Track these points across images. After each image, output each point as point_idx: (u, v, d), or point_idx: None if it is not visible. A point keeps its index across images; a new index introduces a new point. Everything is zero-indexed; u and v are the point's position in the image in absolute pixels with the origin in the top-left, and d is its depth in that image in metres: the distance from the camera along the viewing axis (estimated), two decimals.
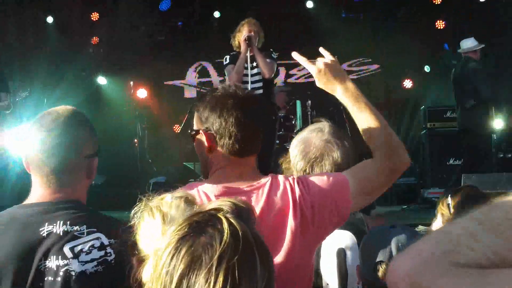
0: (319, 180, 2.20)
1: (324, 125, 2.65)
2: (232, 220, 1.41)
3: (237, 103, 2.17)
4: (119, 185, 9.41)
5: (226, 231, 1.37)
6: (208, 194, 2.14)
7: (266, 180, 2.20)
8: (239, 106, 2.17)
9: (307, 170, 2.55)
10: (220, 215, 1.44)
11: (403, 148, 2.27)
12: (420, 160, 9.60)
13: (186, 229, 1.42)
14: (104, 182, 9.75)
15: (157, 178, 9.46)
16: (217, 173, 2.25)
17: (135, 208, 1.74)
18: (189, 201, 1.75)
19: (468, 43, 8.12)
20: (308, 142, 2.58)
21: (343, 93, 2.35)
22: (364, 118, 2.29)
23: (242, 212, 1.49)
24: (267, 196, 2.15)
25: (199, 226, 1.42)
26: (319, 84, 2.38)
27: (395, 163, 2.25)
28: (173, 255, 1.38)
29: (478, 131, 7.75)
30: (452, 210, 2.62)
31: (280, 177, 2.23)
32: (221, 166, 2.24)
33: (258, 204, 2.13)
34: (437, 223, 2.75)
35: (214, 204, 1.53)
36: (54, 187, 2.14)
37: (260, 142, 2.26)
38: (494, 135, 8.27)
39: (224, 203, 1.50)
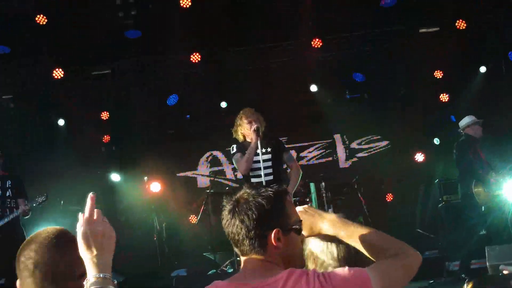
0: (341, 274, 2.22)
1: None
2: None
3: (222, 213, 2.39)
4: (140, 281, 9.30)
5: None
6: None
7: (281, 275, 2.24)
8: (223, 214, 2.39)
9: (344, 254, 2.55)
10: None
11: (406, 245, 2.35)
12: (441, 233, 9.49)
13: None
14: (124, 279, 9.63)
15: (178, 271, 9.35)
16: (239, 272, 2.39)
17: None
18: None
19: (464, 120, 8.29)
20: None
21: (331, 225, 2.40)
22: (361, 237, 2.36)
23: None
24: None
25: None
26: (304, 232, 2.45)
27: (407, 259, 2.33)
28: None
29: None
30: None
31: (298, 272, 2.26)
32: (242, 264, 2.39)
33: None
34: None
35: None
36: None
37: (257, 242, 2.32)
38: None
39: None
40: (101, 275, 1.95)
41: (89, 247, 1.99)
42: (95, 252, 1.99)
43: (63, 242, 2.20)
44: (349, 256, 2.47)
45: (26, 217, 7.75)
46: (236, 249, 2.39)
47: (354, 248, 2.42)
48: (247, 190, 2.38)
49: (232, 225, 2.32)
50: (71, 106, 11.23)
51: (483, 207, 7.94)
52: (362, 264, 2.36)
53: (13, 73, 10.80)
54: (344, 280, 2.20)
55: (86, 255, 1.99)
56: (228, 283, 2.32)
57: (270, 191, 2.39)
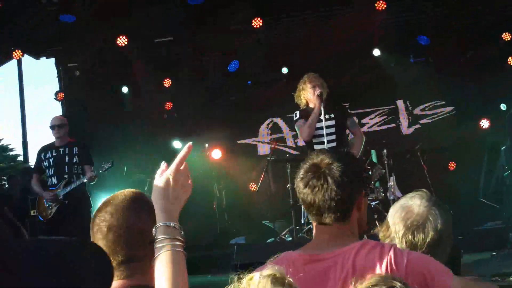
0: (421, 257, 2.20)
1: (423, 193, 2.62)
2: None
3: (304, 180, 2.31)
4: (199, 248, 9.45)
5: None
6: (295, 264, 2.20)
7: (354, 245, 2.23)
8: (304, 182, 2.30)
9: (409, 237, 2.51)
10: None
11: None
12: (506, 203, 9.22)
13: None
14: (187, 246, 9.80)
15: (237, 239, 9.45)
16: (311, 241, 2.37)
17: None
18: (277, 279, 1.76)
19: None
20: (409, 209, 2.54)
21: None
22: None
23: None
24: (352, 262, 2.14)
25: None
26: None
27: None
28: None
29: None
30: None
31: (372, 243, 2.25)
32: (315, 234, 2.36)
33: (343, 268, 2.14)
34: None
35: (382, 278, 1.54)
36: (123, 276, 2.12)
37: (340, 211, 2.28)
38: None
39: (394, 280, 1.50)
40: (171, 224, 1.94)
41: (166, 194, 1.98)
42: (171, 201, 1.97)
43: (139, 206, 2.18)
44: (411, 241, 2.45)
45: (92, 183, 7.94)
46: (314, 217, 2.33)
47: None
48: (324, 154, 2.32)
49: (317, 189, 2.26)
50: (134, 73, 11.40)
51: None
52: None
53: (78, 41, 11.01)
54: (424, 262, 2.17)
55: (160, 202, 1.97)
56: (300, 254, 2.30)
57: (351, 153, 2.36)
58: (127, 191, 2.26)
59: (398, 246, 2.35)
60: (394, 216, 2.59)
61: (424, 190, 2.65)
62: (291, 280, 1.81)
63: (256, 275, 1.80)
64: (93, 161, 8.01)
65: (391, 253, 2.16)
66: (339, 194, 2.24)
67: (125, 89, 11.56)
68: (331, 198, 2.24)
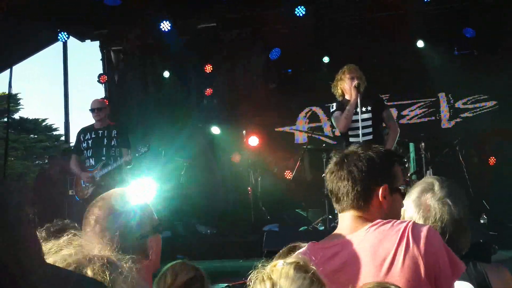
0: (432, 235, 2.18)
1: (433, 183, 2.60)
2: None
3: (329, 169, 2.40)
4: (232, 233, 9.54)
5: None
6: (317, 252, 2.24)
7: (366, 226, 2.26)
8: (329, 171, 2.38)
9: None
10: None
11: None
12: None
13: None
14: (218, 230, 9.92)
15: (271, 226, 9.52)
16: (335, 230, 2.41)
17: (250, 276, 1.83)
18: (300, 267, 1.81)
19: None
20: (422, 204, 2.55)
21: None
22: None
23: None
24: (363, 240, 2.22)
25: None
26: None
27: None
28: None
29: None
30: None
31: (385, 220, 2.26)
32: (339, 222, 2.43)
33: (359, 249, 2.20)
34: None
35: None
36: None
37: (359, 199, 2.33)
38: None
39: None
40: None
41: None
42: None
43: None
44: None
45: (129, 166, 8.05)
46: (336, 206, 2.39)
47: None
48: (355, 146, 2.40)
49: (338, 178, 2.33)
50: (176, 58, 11.50)
51: None
52: None
53: (123, 25, 11.17)
54: (440, 244, 2.17)
55: None
56: (317, 244, 2.34)
57: (381, 148, 2.40)
58: (119, 189, 2.42)
59: None
60: (410, 213, 2.59)
61: (434, 177, 2.63)
62: (314, 268, 1.84)
63: (279, 262, 1.85)
64: (131, 145, 8.12)
65: (410, 224, 2.18)
66: (355, 182, 2.30)
67: (166, 74, 11.68)
68: (343, 186, 2.31)
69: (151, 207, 2.44)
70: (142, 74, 11.86)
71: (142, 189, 8.16)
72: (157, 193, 9.07)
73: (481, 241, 2.94)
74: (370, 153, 2.34)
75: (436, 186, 2.57)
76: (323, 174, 8.44)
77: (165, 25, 10.60)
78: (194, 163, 10.84)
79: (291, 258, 1.87)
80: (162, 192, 9.38)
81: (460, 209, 2.52)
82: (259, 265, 1.88)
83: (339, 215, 2.40)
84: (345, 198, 2.32)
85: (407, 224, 2.18)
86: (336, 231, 2.38)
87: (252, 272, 1.87)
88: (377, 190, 2.33)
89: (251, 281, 1.84)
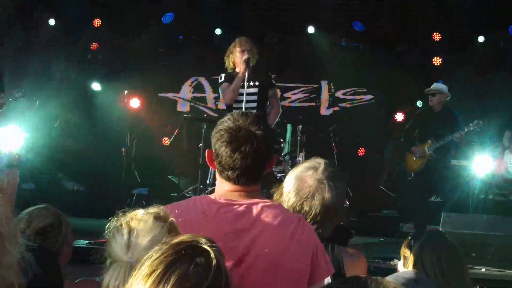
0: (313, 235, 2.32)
1: (320, 163, 2.68)
2: (216, 253, 1.46)
3: (233, 144, 2.32)
4: (101, 192, 9.38)
5: (213, 263, 1.44)
6: (210, 206, 2.29)
7: (264, 200, 2.34)
8: (234, 146, 2.32)
9: (297, 208, 2.61)
10: (206, 246, 1.48)
11: None
12: (403, 194, 9.67)
13: (173, 257, 1.44)
14: (86, 188, 9.71)
15: (140, 189, 9.45)
16: (221, 194, 2.39)
17: (110, 222, 1.82)
18: (160, 218, 1.83)
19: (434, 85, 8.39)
20: (302, 180, 2.63)
21: None
22: None
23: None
24: (260, 212, 2.29)
25: (187, 255, 1.45)
26: None
27: None
28: (159, 282, 1.40)
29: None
30: (411, 254, 2.66)
31: (281, 207, 2.38)
32: (224, 190, 2.40)
33: (258, 216, 2.27)
34: (400, 265, 2.83)
35: (189, 235, 1.56)
36: None
37: (258, 175, 2.39)
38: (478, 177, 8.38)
39: (197, 237, 1.53)
40: None
41: None
42: None
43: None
44: (299, 212, 2.57)
45: (0, 110, 7.65)
46: (228, 178, 2.35)
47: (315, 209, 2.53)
48: (245, 118, 2.35)
49: (243, 156, 2.30)
50: (64, 6, 11.02)
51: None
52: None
53: None
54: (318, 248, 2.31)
55: None
56: (213, 199, 2.35)
57: (267, 122, 2.45)
58: None
59: None
60: (288, 185, 2.67)
61: (324, 160, 2.72)
62: (173, 220, 1.88)
63: (140, 211, 1.87)
64: (4, 88, 7.71)
65: (301, 217, 2.34)
66: (259, 159, 2.34)
67: (52, 22, 11.16)
68: (250, 163, 2.31)
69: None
70: (28, 20, 11.20)
71: (7, 137, 7.78)
72: (24, 143, 8.69)
73: (341, 224, 3.06)
74: (267, 129, 2.37)
75: (321, 167, 2.65)
76: (200, 144, 8.49)
77: None
78: (69, 116, 10.50)
79: (153, 208, 1.89)
80: (31, 142, 9.01)
81: (334, 196, 2.60)
82: (120, 213, 1.87)
83: (230, 185, 2.38)
84: (244, 172, 2.33)
85: (300, 217, 2.36)
86: (228, 196, 2.38)
87: (111, 218, 1.86)
88: (271, 163, 2.42)
89: (110, 227, 1.83)
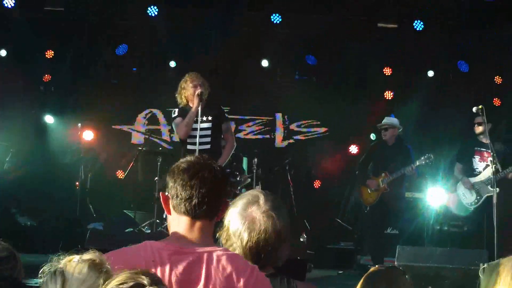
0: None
1: (258, 195, 2.68)
2: None
3: (190, 171, 2.36)
4: (55, 227, 9.17)
5: None
6: (160, 253, 2.26)
7: (216, 249, 2.33)
8: (191, 173, 2.35)
9: (253, 244, 2.58)
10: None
11: None
12: (358, 226, 9.77)
13: None
14: (39, 223, 9.49)
15: (95, 224, 9.28)
16: (174, 233, 2.40)
17: (44, 267, 1.76)
18: (96, 265, 1.77)
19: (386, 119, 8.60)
20: (248, 217, 2.60)
21: None
22: None
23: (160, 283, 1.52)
24: (216, 263, 2.28)
25: None
26: None
27: None
28: None
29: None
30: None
31: (231, 253, 2.37)
32: (181, 228, 2.40)
33: (209, 267, 2.25)
34: None
35: (130, 275, 1.53)
36: None
37: (215, 208, 2.41)
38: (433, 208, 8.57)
39: (139, 277, 1.50)
40: None
41: None
42: None
43: None
44: (255, 248, 2.54)
45: None
46: (185, 211, 2.35)
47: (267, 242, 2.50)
48: (203, 156, 2.44)
49: (199, 177, 2.34)
50: (16, 37, 10.86)
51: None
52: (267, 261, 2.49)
53: None
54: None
55: None
56: (165, 244, 2.32)
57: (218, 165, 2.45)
58: None
59: (240, 252, 2.46)
60: (235, 224, 2.62)
61: (259, 191, 2.73)
62: (109, 267, 1.82)
63: (75, 257, 1.81)
64: None
65: (256, 268, 2.33)
66: (217, 187, 2.39)
67: (3, 52, 10.98)
68: (208, 190, 2.35)
69: None
70: None
71: None
72: None
73: (298, 258, 3.07)
74: (221, 167, 2.45)
75: (261, 199, 2.64)
76: (156, 178, 8.43)
77: (9, 1, 10.03)
78: (22, 150, 10.30)
79: (88, 255, 1.83)
80: None
81: (282, 221, 2.61)
82: (55, 258, 1.82)
83: (183, 218, 2.39)
84: (200, 205, 2.34)
85: (254, 268, 2.33)
86: (182, 235, 2.37)
87: (45, 264, 1.82)
88: (224, 200, 2.44)
89: (43, 273, 1.79)
